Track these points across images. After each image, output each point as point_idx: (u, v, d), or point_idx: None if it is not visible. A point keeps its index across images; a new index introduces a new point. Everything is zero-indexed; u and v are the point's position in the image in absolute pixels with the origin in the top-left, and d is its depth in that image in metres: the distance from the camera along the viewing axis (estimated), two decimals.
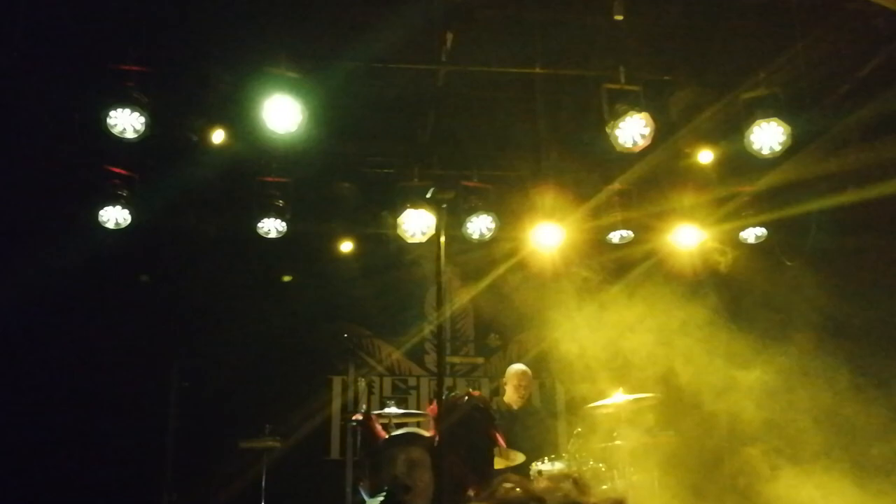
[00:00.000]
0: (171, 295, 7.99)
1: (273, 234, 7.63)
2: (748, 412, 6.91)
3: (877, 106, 6.86)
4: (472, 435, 5.02)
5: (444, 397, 4.35)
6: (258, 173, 7.42)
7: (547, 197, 7.32)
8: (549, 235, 7.49)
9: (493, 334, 8.97)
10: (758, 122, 6.36)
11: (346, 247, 8.30)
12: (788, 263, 7.87)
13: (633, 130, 6.42)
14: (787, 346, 7.08)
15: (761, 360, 6.96)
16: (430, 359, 8.90)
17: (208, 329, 8.04)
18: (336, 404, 8.59)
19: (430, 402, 6.03)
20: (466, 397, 5.32)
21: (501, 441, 5.39)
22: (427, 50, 6.41)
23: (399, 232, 7.46)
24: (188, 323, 8.03)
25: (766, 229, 7.90)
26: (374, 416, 5.57)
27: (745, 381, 6.90)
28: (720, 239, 7.96)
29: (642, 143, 6.45)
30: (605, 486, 5.98)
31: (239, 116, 6.37)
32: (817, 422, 6.64)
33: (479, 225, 7.58)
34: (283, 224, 7.58)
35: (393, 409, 6.33)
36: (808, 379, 6.71)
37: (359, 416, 5.64)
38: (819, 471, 6.23)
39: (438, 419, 4.38)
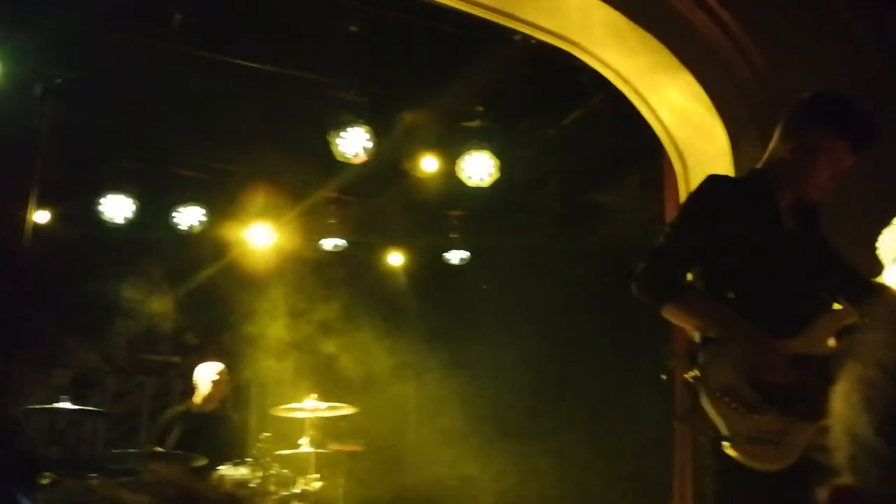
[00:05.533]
0: None
1: None
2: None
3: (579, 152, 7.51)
4: None
5: None
6: None
7: (260, 196, 7.19)
8: (260, 235, 7.36)
9: (190, 332, 8.57)
10: (470, 151, 6.72)
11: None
12: (484, 287, 8.38)
13: (355, 142, 6.49)
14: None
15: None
16: (121, 355, 8.31)
17: None
18: None
19: None
20: None
21: None
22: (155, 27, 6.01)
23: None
24: None
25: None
26: None
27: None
28: None
29: (364, 156, 6.54)
30: (286, 493, 5.88)
31: None
32: None
33: (189, 216, 7.27)
34: None
35: (67, 405, 5.87)
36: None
37: None
38: None
39: None
